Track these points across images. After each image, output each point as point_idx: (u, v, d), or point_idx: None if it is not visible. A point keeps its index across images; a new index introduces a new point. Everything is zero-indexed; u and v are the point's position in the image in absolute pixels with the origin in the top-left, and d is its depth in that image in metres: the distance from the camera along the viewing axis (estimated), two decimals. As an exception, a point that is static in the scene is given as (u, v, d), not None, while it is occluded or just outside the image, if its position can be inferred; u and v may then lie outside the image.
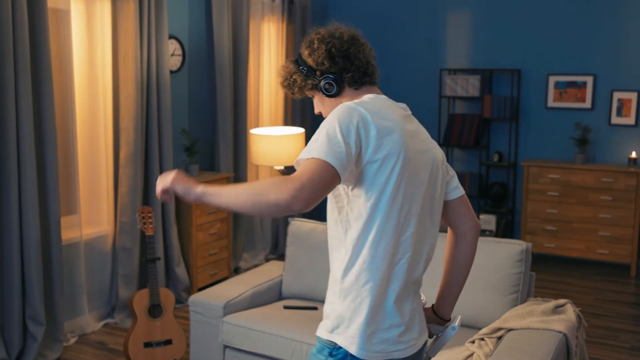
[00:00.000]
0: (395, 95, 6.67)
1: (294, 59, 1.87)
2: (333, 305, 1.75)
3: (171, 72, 4.94)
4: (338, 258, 1.75)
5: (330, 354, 1.73)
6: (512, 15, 6.13)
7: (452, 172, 1.92)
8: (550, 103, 6.05)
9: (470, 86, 6.13)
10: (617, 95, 5.78)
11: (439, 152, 1.84)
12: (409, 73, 6.63)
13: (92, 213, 4.49)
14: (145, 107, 4.51)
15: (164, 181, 1.72)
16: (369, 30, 6.75)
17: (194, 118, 5.28)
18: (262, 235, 5.98)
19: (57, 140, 3.88)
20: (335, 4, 6.90)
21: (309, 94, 1.87)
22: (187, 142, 5.00)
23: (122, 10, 4.30)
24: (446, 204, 1.91)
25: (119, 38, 4.33)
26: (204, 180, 4.89)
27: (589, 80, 5.86)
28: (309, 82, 1.82)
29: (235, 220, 5.52)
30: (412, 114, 1.86)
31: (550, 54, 6.01)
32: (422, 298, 1.91)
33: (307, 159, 1.58)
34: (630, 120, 5.74)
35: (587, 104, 5.90)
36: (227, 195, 1.59)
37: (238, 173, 5.52)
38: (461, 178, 6.29)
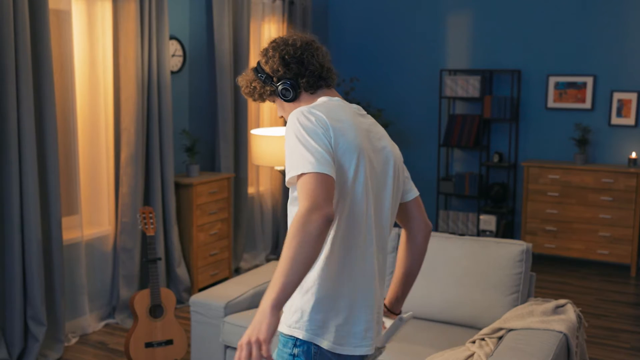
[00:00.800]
0: (395, 95, 6.68)
1: (254, 67, 1.94)
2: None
3: (172, 72, 4.95)
4: None
5: None
6: (512, 16, 6.14)
7: (407, 174, 1.99)
8: (550, 104, 6.05)
9: (470, 87, 6.14)
10: (617, 96, 5.79)
11: (396, 151, 1.90)
12: (409, 74, 6.64)
13: (93, 213, 4.50)
14: (146, 107, 4.52)
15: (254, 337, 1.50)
16: (369, 31, 6.76)
17: (195, 118, 5.29)
18: (262, 236, 5.99)
19: (58, 140, 3.88)
20: (335, 4, 6.90)
21: (269, 99, 1.95)
22: (188, 142, 5.01)
23: (123, 11, 4.30)
24: (401, 206, 1.96)
25: (119, 39, 4.34)
26: (204, 180, 4.89)
27: (589, 80, 5.87)
28: (267, 88, 1.90)
29: (236, 220, 5.53)
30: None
31: (550, 55, 6.02)
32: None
33: (299, 176, 1.62)
34: (630, 120, 5.75)
35: (587, 104, 5.91)
36: (285, 277, 1.50)
37: (238, 173, 5.53)
38: (461, 178, 6.30)
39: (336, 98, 1.88)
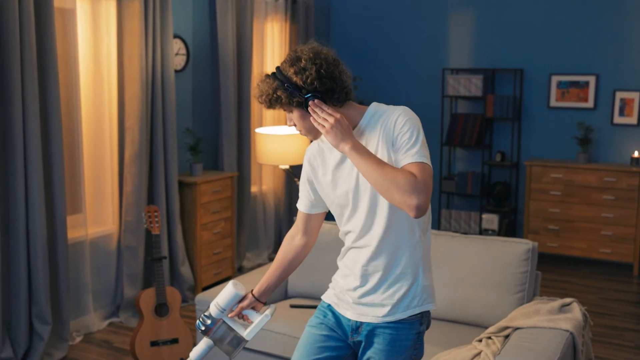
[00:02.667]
0: (397, 94, 6.68)
1: (272, 75, 1.92)
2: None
3: (175, 71, 4.95)
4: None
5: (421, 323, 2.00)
6: (515, 15, 6.14)
7: None
8: (553, 103, 6.06)
9: (472, 86, 6.15)
10: (619, 95, 5.79)
11: None
12: (411, 73, 6.64)
13: (97, 212, 4.50)
14: (150, 106, 4.52)
15: (332, 119, 1.83)
16: (371, 30, 6.76)
17: (198, 117, 5.29)
18: (265, 235, 5.99)
19: (63, 139, 3.88)
20: (337, 3, 6.90)
21: (286, 109, 1.94)
22: (192, 141, 5.01)
23: (128, 10, 4.30)
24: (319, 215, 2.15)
25: (124, 37, 4.34)
26: (208, 179, 4.90)
27: (592, 79, 5.87)
28: (295, 99, 1.87)
29: (239, 219, 5.53)
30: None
31: (552, 54, 6.03)
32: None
33: (420, 162, 1.80)
34: (633, 119, 5.75)
35: (590, 103, 5.91)
36: (366, 164, 1.79)
37: (242, 172, 5.53)
38: (464, 177, 6.31)
39: (372, 107, 1.97)
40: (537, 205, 5.86)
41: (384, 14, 6.71)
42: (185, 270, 4.80)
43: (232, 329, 2.09)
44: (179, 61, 5.00)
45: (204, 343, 2.09)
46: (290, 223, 6.10)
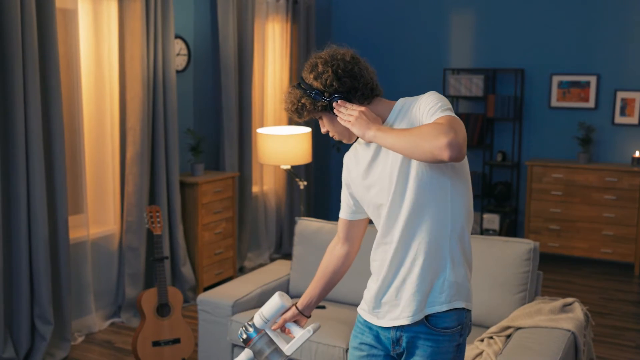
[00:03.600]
0: (398, 94, 6.67)
1: (296, 85, 1.94)
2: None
3: (177, 71, 4.95)
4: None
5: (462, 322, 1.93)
6: (516, 15, 6.15)
7: None
8: (554, 103, 6.06)
9: (473, 86, 6.15)
10: (620, 95, 5.79)
11: None
12: (412, 73, 6.65)
13: (99, 212, 4.50)
14: (152, 106, 4.53)
15: (357, 113, 1.84)
16: (372, 31, 6.76)
17: (199, 117, 5.30)
18: (266, 235, 5.99)
19: (64, 139, 3.89)
20: (338, 3, 6.91)
21: (316, 115, 1.95)
22: (193, 141, 5.01)
23: (129, 10, 4.31)
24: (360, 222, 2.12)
25: (125, 38, 4.34)
26: (209, 179, 4.90)
27: (593, 80, 5.87)
28: (319, 104, 1.89)
29: (241, 219, 5.53)
30: None
31: (553, 54, 6.03)
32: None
33: (444, 115, 1.74)
34: (634, 119, 5.76)
35: (591, 103, 5.91)
36: (392, 137, 1.75)
37: (243, 172, 5.53)
38: (465, 177, 6.30)
39: (400, 102, 1.93)
40: (538, 205, 5.86)
41: (385, 14, 6.71)
42: (186, 270, 4.80)
43: (273, 342, 2.02)
44: (180, 61, 5.01)
45: (244, 355, 2.04)
46: (291, 223, 6.11)
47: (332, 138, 6.99)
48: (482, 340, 2.91)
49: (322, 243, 3.60)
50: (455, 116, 1.76)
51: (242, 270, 5.57)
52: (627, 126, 5.81)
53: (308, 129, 4.45)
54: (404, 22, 6.65)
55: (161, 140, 4.57)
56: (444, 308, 1.89)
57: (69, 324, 3.96)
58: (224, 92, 5.27)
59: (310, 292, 2.14)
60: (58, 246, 3.90)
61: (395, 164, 1.87)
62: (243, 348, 3.36)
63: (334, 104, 1.87)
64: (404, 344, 1.94)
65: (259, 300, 3.51)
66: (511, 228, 6.25)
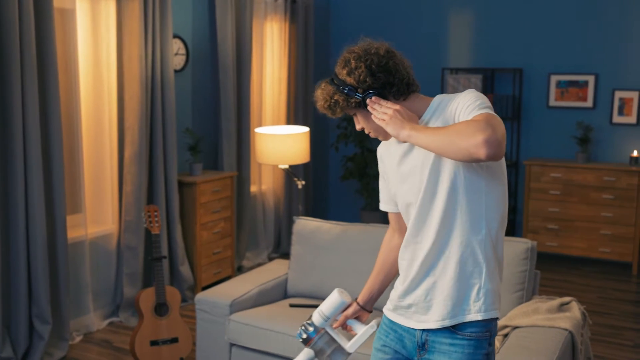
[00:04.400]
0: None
1: (330, 80, 1.87)
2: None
3: (175, 71, 4.95)
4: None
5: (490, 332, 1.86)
6: (514, 14, 6.15)
7: None
8: (552, 102, 6.06)
9: (472, 85, 6.15)
10: (618, 94, 5.80)
11: None
12: (410, 72, 6.64)
13: (97, 212, 4.51)
14: (150, 106, 4.53)
15: (391, 111, 1.78)
16: (370, 30, 6.76)
17: (198, 117, 5.30)
18: (264, 234, 6.00)
19: (62, 139, 3.89)
20: (337, 3, 6.91)
21: (350, 112, 1.88)
22: (191, 141, 5.01)
23: (127, 10, 4.31)
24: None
25: (123, 37, 4.34)
26: (207, 178, 4.90)
27: (591, 79, 5.88)
28: (352, 100, 1.82)
29: (239, 219, 5.54)
30: None
31: (552, 53, 6.03)
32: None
33: (483, 113, 1.66)
34: (632, 119, 5.76)
35: (589, 103, 5.92)
36: (427, 137, 1.68)
37: (241, 172, 5.53)
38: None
39: (437, 98, 1.87)
40: (537, 205, 5.86)
41: (384, 13, 6.71)
42: (185, 269, 4.81)
43: (334, 340, 1.96)
44: (178, 61, 5.01)
45: (304, 355, 1.98)
46: (290, 223, 6.11)
47: (330, 137, 7.01)
48: (479, 340, 2.91)
49: (320, 242, 3.60)
50: (494, 114, 1.68)
51: (240, 270, 5.57)
52: (625, 125, 5.82)
53: (306, 129, 4.45)
54: (402, 22, 6.65)
55: (159, 140, 4.58)
56: (479, 317, 1.81)
57: (67, 324, 3.97)
58: (222, 92, 5.27)
59: (370, 286, 2.09)
60: (56, 246, 3.90)
61: (427, 162, 1.81)
62: (242, 347, 3.37)
63: (368, 101, 1.81)
64: (430, 350, 1.87)
65: (257, 300, 3.52)
66: (509, 227, 6.25)
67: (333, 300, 1.97)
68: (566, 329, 2.89)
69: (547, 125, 6.13)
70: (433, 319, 1.84)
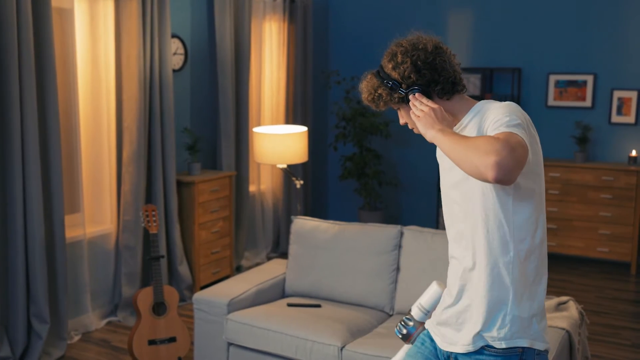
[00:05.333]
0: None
1: (375, 72, 1.85)
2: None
3: (173, 71, 4.95)
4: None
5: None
6: (513, 14, 6.15)
7: None
8: (551, 102, 6.07)
9: (471, 85, 6.15)
10: (617, 94, 5.80)
11: None
12: (409, 72, 6.64)
13: (96, 211, 4.51)
14: (148, 105, 4.53)
15: (427, 109, 1.73)
16: (369, 29, 6.77)
17: (196, 117, 5.30)
18: (263, 234, 6.00)
19: (60, 139, 3.89)
20: (336, 3, 6.91)
21: (394, 107, 1.85)
22: (190, 140, 5.01)
23: (125, 10, 4.31)
24: None
25: (122, 37, 4.34)
26: (206, 178, 4.90)
27: (589, 79, 5.88)
28: (395, 95, 1.80)
29: (237, 218, 5.54)
30: None
31: (550, 53, 6.03)
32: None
33: (508, 132, 1.59)
34: (630, 119, 5.76)
35: (588, 102, 5.92)
36: (449, 143, 1.62)
37: (240, 172, 5.53)
38: (462, 176, 6.31)
39: (479, 104, 1.82)
40: (535, 204, 5.85)
41: (382, 13, 6.72)
42: (183, 269, 4.81)
43: None
44: (177, 61, 5.01)
45: (404, 351, 1.93)
46: (288, 222, 6.11)
47: (329, 137, 7.01)
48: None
49: (318, 242, 3.60)
50: (520, 134, 1.58)
51: (239, 269, 5.57)
52: (624, 125, 5.82)
53: (304, 128, 4.46)
54: (401, 22, 6.65)
55: (158, 140, 4.58)
56: (503, 345, 1.73)
57: (65, 323, 3.97)
58: (220, 92, 5.27)
59: None
60: (54, 245, 3.90)
61: (466, 175, 1.74)
62: (239, 347, 3.37)
63: (411, 97, 1.77)
64: None
65: (255, 299, 3.52)
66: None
67: (432, 292, 1.91)
68: (563, 328, 2.89)
69: (545, 124, 6.13)
70: (460, 342, 1.80)
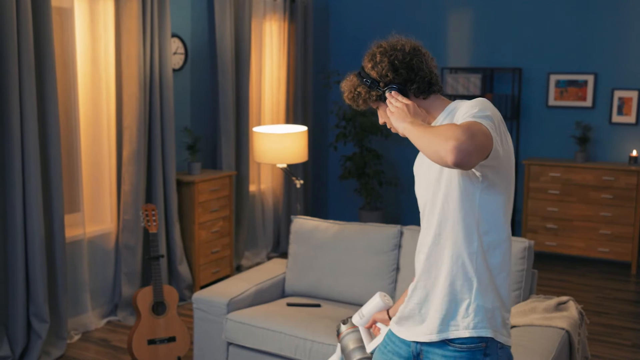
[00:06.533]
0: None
1: (357, 72, 1.93)
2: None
3: (173, 70, 4.95)
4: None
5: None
6: (513, 14, 6.15)
7: None
8: (551, 102, 6.06)
9: (471, 85, 6.15)
10: (617, 94, 5.79)
11: None
12: (410, 72, 6.64)
13: (95, 211, 4.50)
14: (148, 105, 4.53)
15: (401, 105, 1.81)
16: (369, 29, 6.76)
17: (196, 116, 5.30)
18: (263, 234, 5.99)
19: (60, 138, 3.89)
20: (336, 2, 6.91)
21: (373, 105, 1.93)
22: (190, 140, 5.01)
23: (125, 9, 4.31)
24: None
25: (122, 36, 4.34)
26: (206, 178, 4.90)
27: (590, 78, 5.88)
28: (373, 93, 1.88)
29: (237, 218, 5.54)
30: None
31: (551, 53, 6.03)
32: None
33: (472, 120, 1.63)
34: (631, 118, 5.76)
35: (588, 102, 5.91)
36: (417, 133, 1.68)
37: (240, 171, 5.53)
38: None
39: (453, 103, 1.87)
40: (536, 204, 5.86)
41: (383, 13, 6.71)
42: (183, 269, 4.81)
43: (360, 340, 2.09)
44: (177, 60, 5.01)
45: (338, 348, 2.14)
46: (288, 222, 6.11)
47: (329, 137, 7.00)
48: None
49: (318, 242, 3.60)
50: (485, 124, 1.62)
51: (239, 269, 5.57)
52: (624, 125, 5.81)
53: (304, 128, 4.45)
54: (401, 21, 6.65)
55: (158, 139, 4.58)
56: (467, 334, 1.76)
57: (65, 322, 3.97)
58: (221, 91, 5.27)
59: (402, 298, 2.08)
60: (54, 244, 3.90)
61: (434, 166, 1.81)
62: (239, 346, 3.37)
63: (387, 94, 1.85)
64: (424, 359, 1.86)
65: (254, 299, 3.52)
66: (508, 227, 6.24)
67: (375, 304, 2.10)
68: (563, 329, 2.88)
69: (546, 124, 6.13)
70: (424, 332, 1.83)
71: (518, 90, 6.13)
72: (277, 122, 6.12)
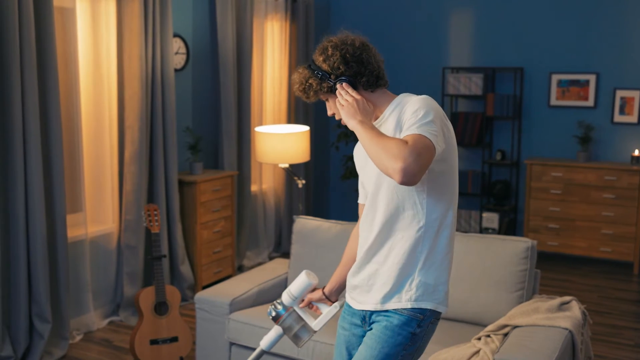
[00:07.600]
0: (398, 93, 6.67)
1: (307, 65, 2.01)
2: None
3: (175, 70, 4.95)
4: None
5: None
6: (515, 13, 6.14)
7: None
8: (553, 101, 6.05)
9: (473, 84, 6.14)
10: (619, 94, 5.79)
11: None
12: (411, 71, 6.64)
13: (97, 211, 4.50)
14: (150, 105, 4.53)
15: (351, 99, 1.92)
16: (371, 29, 6.76)
17: (198, 116, 5.29)
18: (265, 234, 5.99)
19: (62, 138, 3.89)
20: (337, 2, 6.90)
21: (323, 97, 2.02)
22: (191, 140, 5.01)
23: (127, 9, 4.31)
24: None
25: (123, 36, 4.34)
26: (208, 178, 4.90)
27: (592, 78, 5.87)
28: (324, 85, 1.97)
29: (239, 218, 5.53)
30: None
31: (553, 52, 6.02)
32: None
33: (418, 134, 1.77)
34: (633, 118, 5.75)
35: (590, 102, 5.91)
36: (366, 138, 1.81)
37: (242, 171, 5.53)
38: (464, 176, 6.31)
39: (399, 97, 2.00)
40: (538, 204, 5.85)
41: (384, 12, 6.71)
42: (185, 269, 4.81)
43: (301, 319, 2.14)
44: (178, 60, 5.00)
45: (274, 331, 2.15)
46: (290, 222, 6.11)
47: (331, 137, 7.00)
48: (479, 339, 2.90)
49: (320, 241, 3.59)
50: (428, 136, 1.77)
51: (241, 269, 5.57)
52: (627, 125, 5.80)
53: (306, 128, 4.45)
54: (403, 21, 6.65)
55: (160, 139, 4.57)
56: (408, 306, 1.95)
57: (67, 323, 3.96)
58: (222, 91, 5.27)
59: (336, 277, 2.23)
60: (56, 245, 3.90)
61: None
62: (241, 347, 3.37)
63: (338, 86, 1.94)
64: (369, 322, 2.05)
65: (257, 299, 3.51)
66: (510, 227, 6.24)
67: (301, 281, 2.13)
68: (566, 329, 2.88)
69: (548, 124, 6.12)
70: (370, 302, 2.02)
71: (520, 89, 6.13)
72: (279, 122, 6.12)
